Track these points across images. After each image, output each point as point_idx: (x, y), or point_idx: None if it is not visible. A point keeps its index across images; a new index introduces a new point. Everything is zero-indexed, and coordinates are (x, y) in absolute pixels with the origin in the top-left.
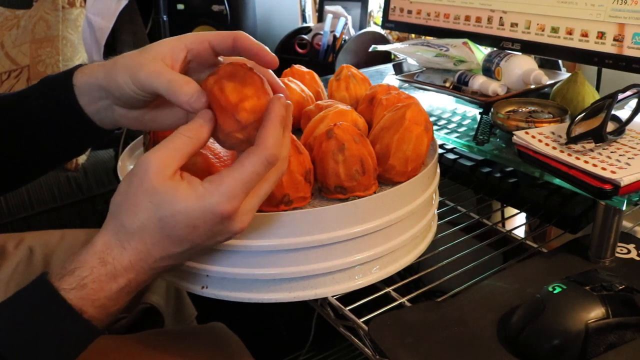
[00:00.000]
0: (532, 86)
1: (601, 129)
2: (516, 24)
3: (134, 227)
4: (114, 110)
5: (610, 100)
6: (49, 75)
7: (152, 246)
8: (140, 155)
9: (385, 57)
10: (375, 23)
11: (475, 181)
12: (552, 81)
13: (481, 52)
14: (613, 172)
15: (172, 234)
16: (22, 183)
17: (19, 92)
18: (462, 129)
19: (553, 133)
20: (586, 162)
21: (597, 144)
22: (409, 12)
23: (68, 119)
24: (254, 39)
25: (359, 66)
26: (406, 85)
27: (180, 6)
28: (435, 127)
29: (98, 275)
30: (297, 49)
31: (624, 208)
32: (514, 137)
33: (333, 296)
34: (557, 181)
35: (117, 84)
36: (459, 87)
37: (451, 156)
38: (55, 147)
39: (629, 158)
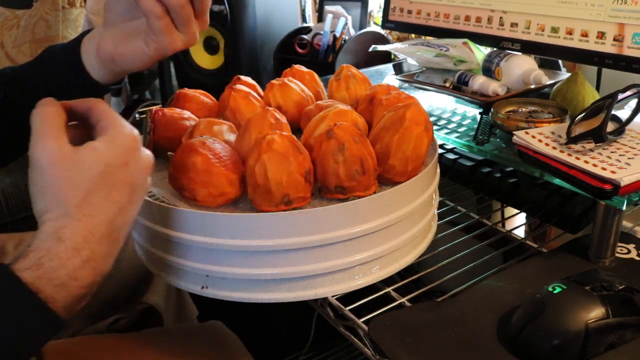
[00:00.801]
0: (532, 86)
1: (601, 129)
2: (516, 24)
3: (78, 199)
4: (101, 39)
5: (610, 100)
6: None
7: (103, 205)
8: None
9: (385, 57)
10: (375, 23)
11: (475, 181)
12: (552, 81)
13: (481, 52)
14: (613, 172)
15: (114, 183)
16: (13, 157)
17: (29, 61)
18: (462, 129)
19: (553, 133)
20: (586, 162)
21: (597, 144)
22: (409, 12)
23: (70, 73)
24: None
25: (359, 66)
26: (406, 85)
27: None
28: (435, 127)
29: (56, 253)
30: (297, 49)
31: (624, 208)
32: (514, 137)
33: (333, 296)
34: (557, 181)
35: None
36: (459, 87)
37: (451, 156)
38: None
39: (629, 158)
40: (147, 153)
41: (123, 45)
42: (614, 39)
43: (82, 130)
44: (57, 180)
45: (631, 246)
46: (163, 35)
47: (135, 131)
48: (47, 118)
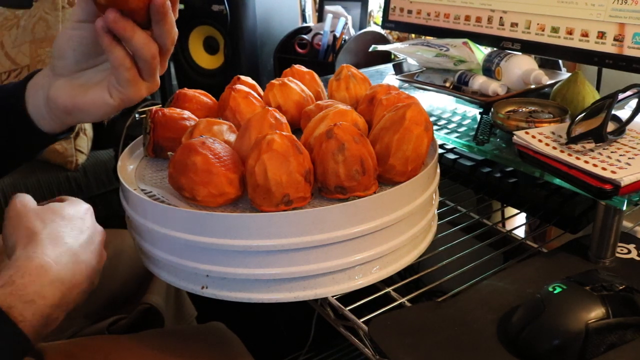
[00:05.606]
0: (532, 86)
1: (601, 129)
2: (516, 24)
3: (46, 229)
4: (51, 90)
5: (610, 100)
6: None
7: (68, 238)
8: None
9: (385, 57)
10: (375, 23)
11: (475, 181)
12: (552, 81)
13: (481, 52)
14: (613, 172)
15: (73, 226)
16: None
17: None
18: (462, 129)
19: (553, 133)
20: (586, 162)
21: (598, 144)
22: (409, 12)
23: (12, 121)
24: None
25: (359, 66)
26: (406, 85)
27: (180, 6)
28: (435, 127)
29: (26, 269)
30: (297, 49)
31: (624, 208)
32: (514, 137)
33: (333, 296)
34: (557, 181)
35: (66, 37)
36: (459, 87)
37: (451, 156)
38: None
39: (629, 158)
40: (100, 227)
41: (81, 96)
42: (614, 39)
43: None
44: (28, 217)
45: (631, 246)
46: (130, 86)
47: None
48: (20, 195)
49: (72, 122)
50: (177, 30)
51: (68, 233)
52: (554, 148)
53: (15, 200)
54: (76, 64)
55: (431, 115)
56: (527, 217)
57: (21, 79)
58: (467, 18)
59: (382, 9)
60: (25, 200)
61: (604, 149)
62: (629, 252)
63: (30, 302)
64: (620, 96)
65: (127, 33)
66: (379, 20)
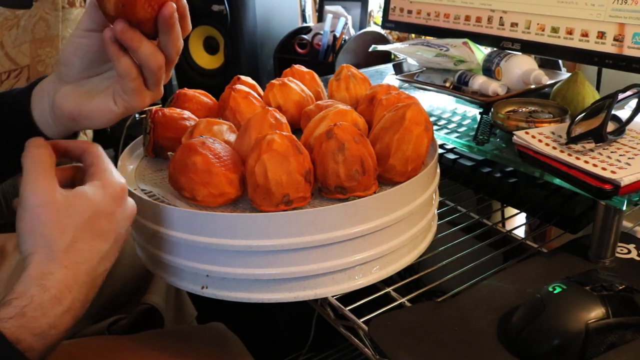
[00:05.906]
0: (532, 86)
1: (601, 129)
2: (516, 24)
3: (65, 243)
4: (57, 96)
5: (610, 100)
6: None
7: (88, 253)
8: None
9: (385, 57)
10: (375, 23)
11: (475, 181)
12: (552, 81)
13: (481, 52)
14: (613, 172)
15: (99, 231)
16: None
17: None
18: (462, 129)
19: (553, 133)
20: (586, 162)
21: (597, 144)
22: (409, 12)
23: (18, 126)
24: None
25: (359, 66)
26: (406, 85)
27: None
28: (435, 127)
29: (40, 302)
30: (297, 49)
31: (624, 208)
32: (514, 137)
33: (333, 296)
34: (557, 181)
35: (73, 46)
36: (459, 87)
37: (451, 156)
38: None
39: (629, 158)
40: (132, 202)
41: (86, 104)
42: (614, 39)
43: (71, 171)
44: (46, 222)
45: (631, 246)
46: (135, 95)
47: (123, 180)
48: (38, 160)
49: (76, 128)
50: (182, 41)
51: (89, 245)
52: (554, 148)
53: (38, 182)
54: (82, 72)
55: (431, 115)
56: (527, 217)
57: (21, 79)
58: (467, 18)
59: (382, 9)
60: (47, 188)
61: (603, 149)
62: (629, 252)
63: (41, 334)
64: (620, 96)
65: (134, 43)
66: (379, 20)
